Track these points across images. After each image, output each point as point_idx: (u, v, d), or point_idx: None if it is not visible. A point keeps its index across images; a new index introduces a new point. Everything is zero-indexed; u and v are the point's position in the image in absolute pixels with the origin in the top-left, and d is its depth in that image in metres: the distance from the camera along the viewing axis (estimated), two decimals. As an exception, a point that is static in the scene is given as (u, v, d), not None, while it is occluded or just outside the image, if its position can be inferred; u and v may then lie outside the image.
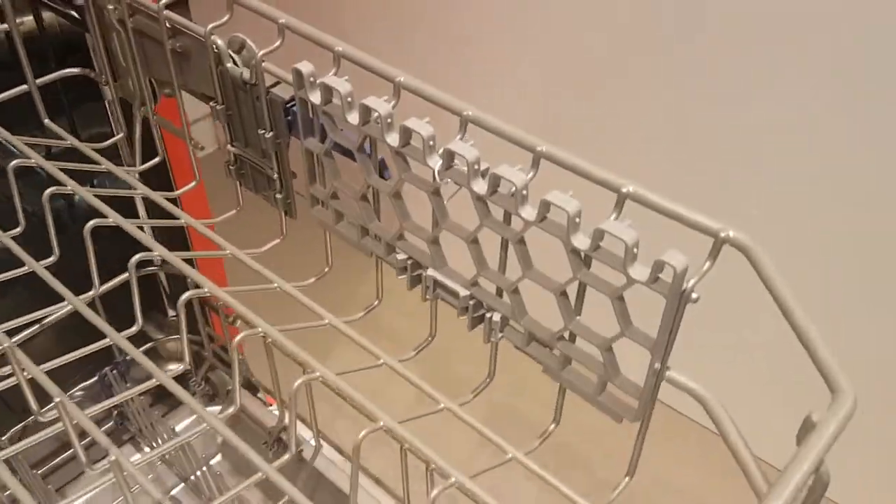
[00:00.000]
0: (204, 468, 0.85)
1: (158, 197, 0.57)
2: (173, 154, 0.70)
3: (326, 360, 0.46)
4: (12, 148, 0.57)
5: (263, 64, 0.48)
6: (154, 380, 0.52)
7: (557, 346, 0.40)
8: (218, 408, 0.94)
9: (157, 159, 0.63)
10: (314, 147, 0.47)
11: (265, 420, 0.90)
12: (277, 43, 0.47)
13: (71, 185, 0.53)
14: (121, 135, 0.65)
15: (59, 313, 0.57)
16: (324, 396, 0.59)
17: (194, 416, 0.93)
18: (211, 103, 0.53)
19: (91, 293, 0.54)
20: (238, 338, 0.50)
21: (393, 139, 0.41)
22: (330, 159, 0.47)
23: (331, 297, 0.56)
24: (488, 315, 0.42)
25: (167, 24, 0.52)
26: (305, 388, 0.64)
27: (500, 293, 0.42)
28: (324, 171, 0.49)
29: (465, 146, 0.38)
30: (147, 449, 0.89)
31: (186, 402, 0.49)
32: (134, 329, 0.58)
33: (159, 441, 0.86)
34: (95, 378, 0.85)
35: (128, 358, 0.87)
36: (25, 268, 0.53)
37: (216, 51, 0.50)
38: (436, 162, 0.40)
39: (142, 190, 0.57)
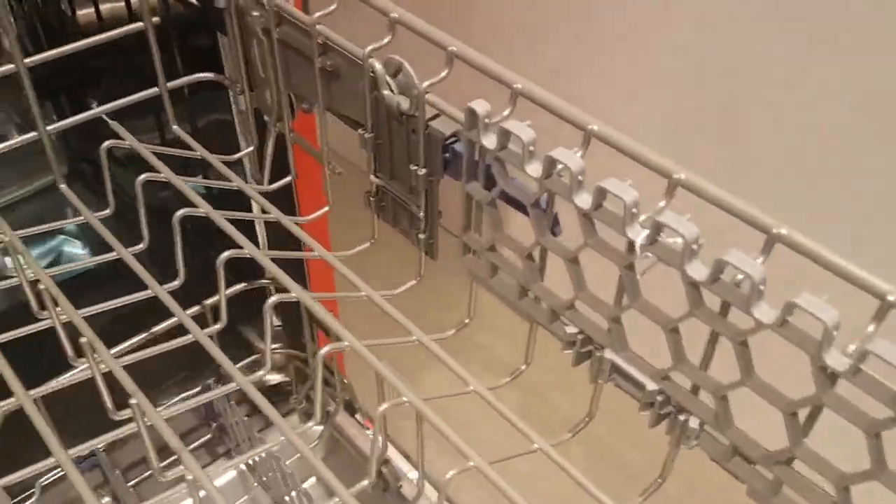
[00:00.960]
0: (295, 492, 0.81)
1: (290, 223, 0.53)
2: (299, 172, 0.66)
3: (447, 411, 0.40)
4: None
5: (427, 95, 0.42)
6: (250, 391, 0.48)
7: (773, 469, 0.32)
8: (316, 428, 0.90)
9: (287, 178, 0.59)
10: (477, 193, 0.41)
11: (363, 446, 0.86)
12: (444, 73, 0.41)
13: (204, 209, 0.49)
14: (251, 148, 0.61)
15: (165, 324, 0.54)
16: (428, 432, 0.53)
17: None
18: (359, 131, 0.48)
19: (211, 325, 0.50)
20: (324, 350, 0.45)
21: (583, 200, 0.35)
22: (493, 209, 0.41)
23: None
24: (682, 418, 0.35)
25: (319, 40, 0.47)
26: (416, 422, 0.59)
27: (695, 390, 0.35)
28: (481, 220, 0.43)
29: (682, 220, 0.31)
30: (243, 466, 0.87)
31: (278, 424, 0.45)
32: (218, 326, 0.53)
33: (256, 458, 0.83)
34: (199, 388, 0.83)
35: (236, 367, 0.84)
36: (113, 254, 0.50)
37: (373, 75, 0.44)
38: (637, 233, 0.33)
39: (275, 214, 0.53)
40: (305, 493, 0.79)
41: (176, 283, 0.52)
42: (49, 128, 0.53)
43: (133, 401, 0.39)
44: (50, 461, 0.40)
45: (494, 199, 0.40)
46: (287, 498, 0.83)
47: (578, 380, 0.43)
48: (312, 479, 0.89)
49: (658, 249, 0.33)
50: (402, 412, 0.62)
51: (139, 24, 0.54)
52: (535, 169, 0.36)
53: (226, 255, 0.47)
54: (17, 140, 0.53)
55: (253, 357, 0.91)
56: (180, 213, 0.49)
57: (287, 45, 0.51)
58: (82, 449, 0.43)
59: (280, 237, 0.75)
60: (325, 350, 0.43)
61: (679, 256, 0.31)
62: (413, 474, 0.82)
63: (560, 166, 0.35)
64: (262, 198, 0.55)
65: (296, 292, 0.46)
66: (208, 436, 0.86)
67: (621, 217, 0.33)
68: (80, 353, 0.44)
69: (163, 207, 0.57)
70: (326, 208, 0.57)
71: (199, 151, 0.57)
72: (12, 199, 1.04)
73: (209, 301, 0.65)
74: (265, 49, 0.53)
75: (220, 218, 0.49)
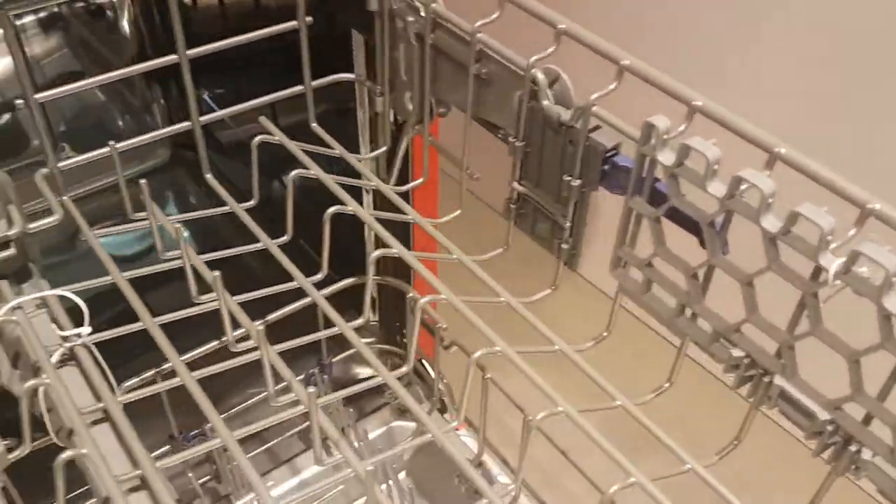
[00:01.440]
0: (391, 482, 0.83)
1: (427, 224, 0.54)
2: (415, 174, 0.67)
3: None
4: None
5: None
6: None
7: (959, 512, 0.32)
8: (408, 423, 0.92)
9: (419, 180, 0.60)
10: (642, 209, 0.41)
11: (455, 446, 0.86)
12: (612, 86, 0.42)
13: (352, 207, 0.50)
14: (384, 148, 0.63)
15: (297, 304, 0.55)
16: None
17: (385, 428, 0.91)
18: (510, 139, 0.49)
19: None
20: (476, 354, 0.45)
21: (771, 223, 0.34)
22: (657, 224, 0.41)
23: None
24: (852, 449, 0.35)
25: (477, 47, 0.48)
26: (523, 429, 0.59)
27: (867, 421, 0.35)
28: (636, 234, 0.43)
29: (884, 251, 0.31)
30: (338, 454, 0.88)
31: (425, 423, 0.46)
32: (360, 321, 0.55)
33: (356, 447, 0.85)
34: (301, 377, 0.85)
35: (333, 360, 0.86)
36: (259, 244, 0.52)
37: (534, 86, 0.45)
38: (830, 261, 0.32)
39: (412, 216, 0.54)
40: (400, 485, 0.80)
41: (319, 276, 0.53)
42: (202, 119, 0.55)
43: (311, 390, 0.40)
44: (215, 442, 0.42)
45: (660, 215, 0.40)
46: (383, 487, 0.84)
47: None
48: (402, 474, 0.90)
49: (851, 279, 0.32)
50: (498, 413, 0.62)
51: (293, 23, 0.55)
52: (716, 188, 0.36)
53: (377, 253, 0.48)
54: (170, 129, 0.56)
55: (348, 352, 0.92)
56: (332, 210, 0.50)
57: (438, 50, 0.52)
58: (247, 431, 0.45)
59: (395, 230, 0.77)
60: (477, 354, 0.44)
61: (875, 287, 0.31)
62: (504, 478, 0.82)
63: (744, 186, 0.35)
64: (399, 198, 0.56)
65: (445, 293, 0.46)
66: (306, 423, 0.88)
67: (812, 243, 0.33)
68: (239, 339, 0.46)
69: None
70: (458, 212, 0.58)
71: (338, 150, 0.59)
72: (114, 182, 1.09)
73: (324, 291, 0.67)
74: (413, 53, 0.54)
75: (368, 216, 0.50)
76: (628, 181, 0.42)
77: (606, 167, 0.44)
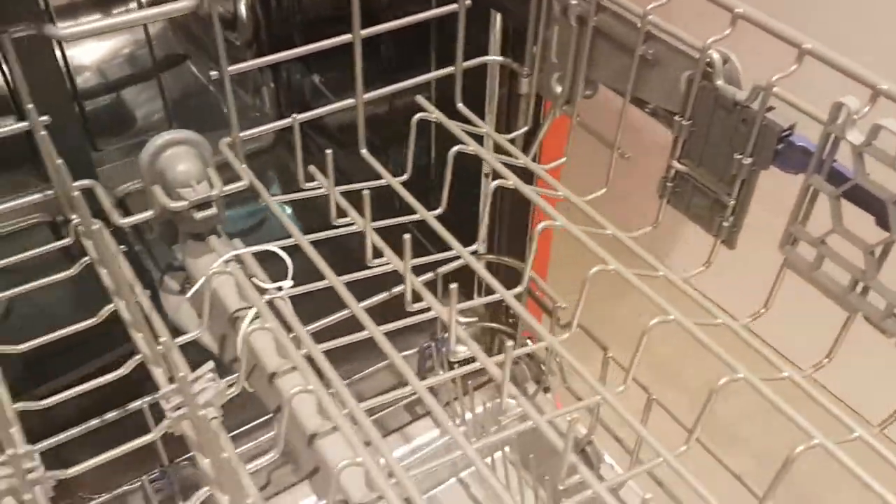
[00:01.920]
0: (497, 454, 0.86)
1: (581, 202, 0.56)
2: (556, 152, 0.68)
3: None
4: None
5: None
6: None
7: None
8: (511, 401, 0.94)
9: (563, 159, 0.63)
10: (822, 187, 0.43)
11: (559, 424, 0.89)
12: (793, 68, 0.43)
13: (512, 181, 0.53)
14: (525, 129, 0.65)
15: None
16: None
17: (489, 404, 0.94)
18: (675, 118, 0.50)
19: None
20: (653, 322, 0.45)
21: (971, 201, 0.36)
22: (837, 203, 0.42)
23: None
24: None
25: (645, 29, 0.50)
26: (645, 408, 0.61)
27: None
28: (810, 212, 0.45)
29: None
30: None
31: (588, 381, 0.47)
32: (518, 289, 0.56)
33: (459, 420, 0.88)
34: (415, 350, 0.89)
35: (445, 335, 0.89)
36: (416, 216, 0.55)
37: (708, 67, 0.47)
38: None
39: (563, 192, 0.56)
40: (508, 457, 0.83)
41: (473, 247, 0.56)
42: (365, 96, 0.58)
43: (509, 343, 0.43)
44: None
45: (840, 194, 0.42)
46: (489, 460, 0.87)
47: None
48: (506, 447, 0.93)
49: None
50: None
51: (454, 6, 0.58)
52: (908, 167, 0.37)
53: (542, 224, 0.51)
54: (335, 105, 0.59)
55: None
56: (494, 183, 0.53)
57: (597, 31, 0.54)
58: (430, 383, 0.48)
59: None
60: (654, 322, 0.46)
61: None
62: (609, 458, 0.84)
63: (937, 166, 0.37)
64: (549, 175, 0.58)
65: (614, 264, 0.49)
66: (414, 395, 0.91)
67: None
68: (416, 299, 0.49)
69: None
70: (604, 189, 0.60)
71: (485, 129, 0.62)
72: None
73: (442, 270, 0.69)
74: (568, 35, 0.56)
75: (530, 192, 0.53)
76: (803, 160, 0.44)
77: (780, 146, 0.45)
